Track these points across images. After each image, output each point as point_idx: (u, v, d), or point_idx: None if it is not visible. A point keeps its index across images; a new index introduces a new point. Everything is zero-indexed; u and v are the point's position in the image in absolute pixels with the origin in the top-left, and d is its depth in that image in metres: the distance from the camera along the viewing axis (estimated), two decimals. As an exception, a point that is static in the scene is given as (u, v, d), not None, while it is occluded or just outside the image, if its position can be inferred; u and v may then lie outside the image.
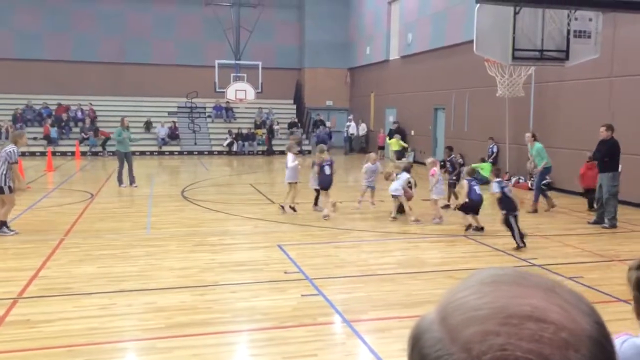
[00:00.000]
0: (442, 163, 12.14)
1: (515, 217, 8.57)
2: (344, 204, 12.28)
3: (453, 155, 12.62)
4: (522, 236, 8.53)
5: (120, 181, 14.83)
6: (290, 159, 11.29)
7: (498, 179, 8.96)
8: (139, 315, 5.70)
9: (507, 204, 8.61)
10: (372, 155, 12.16)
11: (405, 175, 10.81)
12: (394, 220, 10.64)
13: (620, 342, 1.89)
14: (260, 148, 26.53)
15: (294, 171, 11.19)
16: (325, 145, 12.67)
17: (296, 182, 11.29)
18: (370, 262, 7.86)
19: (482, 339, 0.53)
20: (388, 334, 5.32)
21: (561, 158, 14.14)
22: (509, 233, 8.60)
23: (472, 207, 9.70)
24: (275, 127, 27.90)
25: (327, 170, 10.86)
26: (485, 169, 16.43)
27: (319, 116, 28.94)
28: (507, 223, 8.58)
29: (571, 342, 0.53)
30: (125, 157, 14.78)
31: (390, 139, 23.96)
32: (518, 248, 8.46)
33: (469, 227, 9.78)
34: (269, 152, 26.22)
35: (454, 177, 12.12)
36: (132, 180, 14.91)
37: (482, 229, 9.71)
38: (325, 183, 10.87)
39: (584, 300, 0.59)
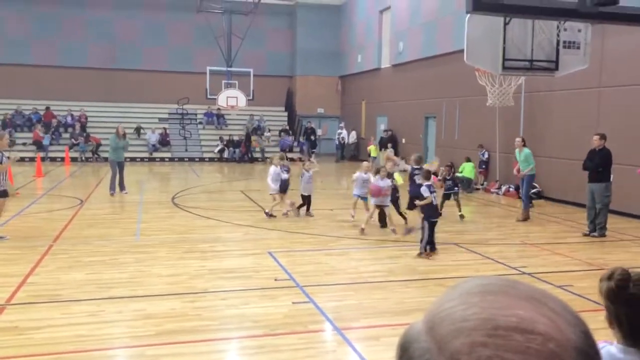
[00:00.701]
0: (440, 179, 11.84)
1: (434, 224, 8.42)
2: (335, 212, 12.30)
3: (453, 172, 12.64)
4: (431, 245, 8.41)
5: (112, 189, 14.63)
6: (271, 171, 11.72)
7: (428, 183, 8.61)
8: (128, 323, 5.66)
9: (429, 210, 8.48)
10: (365, 164, 11.95)
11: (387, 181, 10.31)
12: (396, 233, 10.11)
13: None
14: (255, 155, 26.50)
15: (273, 183, 11.58)
16: (284, 152, 13.52)
17: (278, 193, 11.60)
18: (361, 270, 7.86)
19: (470, 351, 0.53)
20: (379, 342, 5.32)
21: (551, 167, 14.25)
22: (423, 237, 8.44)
23: (410, 199, 9.58)
24: (267, 134, 27.91)
25: (284, 176, 11.69)
26: (466, 170, 16.61)
27: (310, 123, 28.96)
28: (422, 226, 8.45)
29: (558, 353, 0.53)
30: (117, 166, 14.66)
31: (380, 148, 24.08)
32: (419, 255, 8.39)
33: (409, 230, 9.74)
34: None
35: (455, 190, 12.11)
36: (122, 187, 14.84)
37: (411, 230, 9.65)
38: (282, 187, 11.71)
39: (570, 309, 0.59)
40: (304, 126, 28.95)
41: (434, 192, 8.57)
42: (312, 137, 28.13)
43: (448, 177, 12.09)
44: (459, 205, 11.95)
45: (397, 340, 0.62)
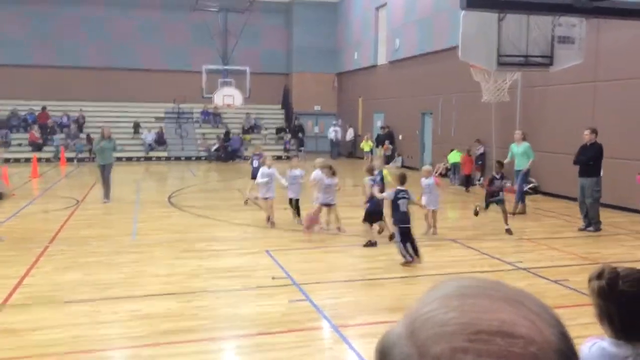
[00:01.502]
0: (491, 179, 10.35)
1: (404, 231, 7.84)
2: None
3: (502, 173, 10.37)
4: (413, 250, 7.82)
5: (105, 196, 13.40)
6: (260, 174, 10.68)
7: (400, 188, 8.04)
8: (125, 323, 5.65)
9: (399, 217, 7.84)
10: (293, 161, 11.28)
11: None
12: (340, 231, 9.84)
13: (589, 345, 2.01)
14: (248, 153, 26.44)
15: (261, 186, 10.53)
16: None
17: (265, 198, 10.55)
18: (358, 267, 7.87)
19: (451, 356, 0.53)
20: (376, 339, 5.26)
21: (547, 161, 14.26)
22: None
23: (370, 213, 8.97)
24: (264, 132, 27.89)
25: (254, 164, 11.87)
26: (452, 157, 16.83)
27: (297, 120, 28.86)
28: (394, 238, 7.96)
29: (540, 356, 0.53)
30: (103, 169, 13.32)
31: (377, 144, 24.10)
32: (404, 264, 7.77)
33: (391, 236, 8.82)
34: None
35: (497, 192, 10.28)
36: (106, 194, 13.40)
37: (375, 243, 8.87)
38: (253, 175, 11.69)
39: (549, 310, 0.59)
40: (295, 124, 28.83)
41: (406, 197, 7.94)
42: (300, 135, 27.96)
43: (497, 176, 10.21)
44: (505, 215, 10.08)
45: (376, 345, 0.61)
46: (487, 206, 10.29)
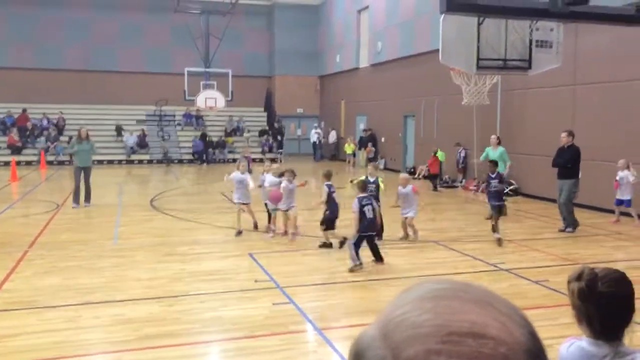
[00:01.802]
0: (484, 182, 10.09)
1: (367, 238, 7.77)
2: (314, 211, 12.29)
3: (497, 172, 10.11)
4: (376, 257, 7.89)
5: (75, 201, 12.88)
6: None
7: (362, 195, 7.88)
8: (106, 328, 5.60)
9: (363, 224, 7.67)
10: (266, 164, 11.03)
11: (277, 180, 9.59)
12: (293, 238, 9.61)
13: (567, 345, 2.04)
14: (231, 156, 26.36)
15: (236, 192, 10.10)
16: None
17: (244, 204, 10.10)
18: (341, 269, 7.88)
19: (425, 358, 0.54)
20: (358, 341, 5.34)
21: (527, 164, 14.45)
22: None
23: (330, 220, 8.87)
24: (246, 134, 27.82)
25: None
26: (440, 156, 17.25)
27: (277, 123, 28.82)
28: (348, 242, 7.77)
29: (510, 356, 0.54)
30: (83, 172, 12.92)
31: (360, 147, 24.21)
32: (351, 270, 7.64)
33: (343, 241, 8.72)
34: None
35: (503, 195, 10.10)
36: (87, 198, 13.09)
37: (331, 244, 8.89)
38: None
39: (518, 311, 0.61)
40: (276, 126, 28.77)
41: (369, 204, 7.78)
42: (279, 137, 27.93)
43: (492, 176, 9.85)
44: (496, 223, 9.50)
45: (349, 347, 0.63)
46: (499, 213, 9.77)
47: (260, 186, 10.32)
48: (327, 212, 9.02)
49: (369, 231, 7.78)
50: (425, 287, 0.62)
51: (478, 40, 8.37)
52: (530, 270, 7.81)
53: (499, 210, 9.74)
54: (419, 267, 8.08)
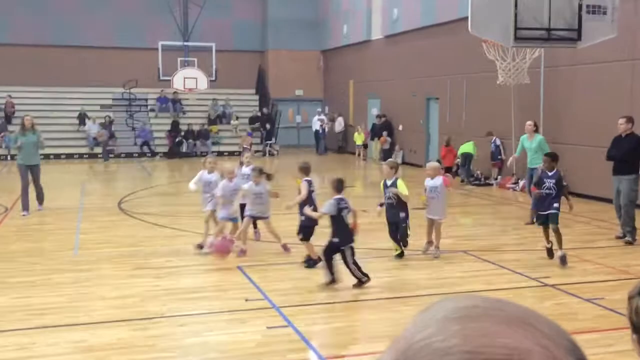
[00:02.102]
0: (539, 179, 9.10)
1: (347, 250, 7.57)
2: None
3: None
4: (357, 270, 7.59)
5: (24, 207, 12.54)
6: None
7: (338, 196, 7.76)
8: (66, 357, 5.62)
9: (341, 232, 7.58)
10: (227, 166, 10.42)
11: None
12: (287, 250, 9.38)
13: None
14: (215, 148, 26.39)
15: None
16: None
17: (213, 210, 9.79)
18: (347, 286, 7.87)
19: None
20: (372, 373, 5.34)
21: (576, 156, 14.41)
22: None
23: (307, 227, 8.55)
24: (234, 122, 27.81)
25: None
26: (465, 148, 17.49)
27: (271, 108, 28.65)
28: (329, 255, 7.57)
29: None
30: (30, 171, 12.56)
31: (373, 137, 24.22)
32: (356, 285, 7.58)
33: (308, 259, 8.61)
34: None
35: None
36: (39, 200, 12.93)
37: (319, 259, 8.25)
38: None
39: (564, 333, 0.60)
40: (255, 113, 28.62)
41: (346, 208, 7.70)
42: (268, 125, 27.78)
43: (549, 174, 8.93)
44: (559, 237, 8.71)
45: None
46: (539, 222, 9.19)
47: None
48: (303, 219, 8.61)
49: (349, 242, 7.58)
50: (450, 305, 0.61)
51: (516, 6, 8.35)
52: (581, 285, 7.80)
53: (554, 220, 8.75)
54: (446, 282, 8.07)
